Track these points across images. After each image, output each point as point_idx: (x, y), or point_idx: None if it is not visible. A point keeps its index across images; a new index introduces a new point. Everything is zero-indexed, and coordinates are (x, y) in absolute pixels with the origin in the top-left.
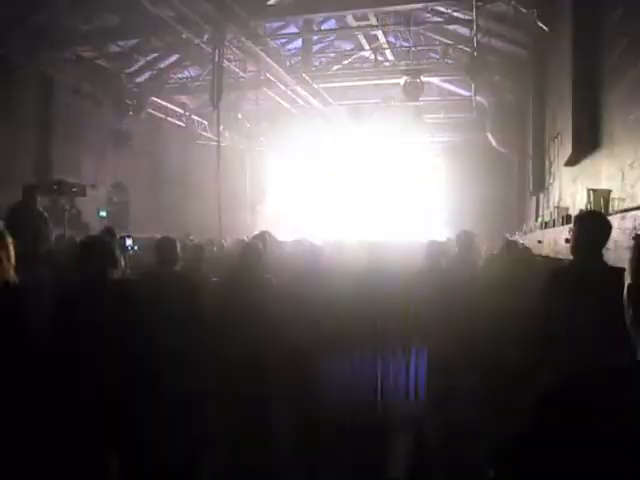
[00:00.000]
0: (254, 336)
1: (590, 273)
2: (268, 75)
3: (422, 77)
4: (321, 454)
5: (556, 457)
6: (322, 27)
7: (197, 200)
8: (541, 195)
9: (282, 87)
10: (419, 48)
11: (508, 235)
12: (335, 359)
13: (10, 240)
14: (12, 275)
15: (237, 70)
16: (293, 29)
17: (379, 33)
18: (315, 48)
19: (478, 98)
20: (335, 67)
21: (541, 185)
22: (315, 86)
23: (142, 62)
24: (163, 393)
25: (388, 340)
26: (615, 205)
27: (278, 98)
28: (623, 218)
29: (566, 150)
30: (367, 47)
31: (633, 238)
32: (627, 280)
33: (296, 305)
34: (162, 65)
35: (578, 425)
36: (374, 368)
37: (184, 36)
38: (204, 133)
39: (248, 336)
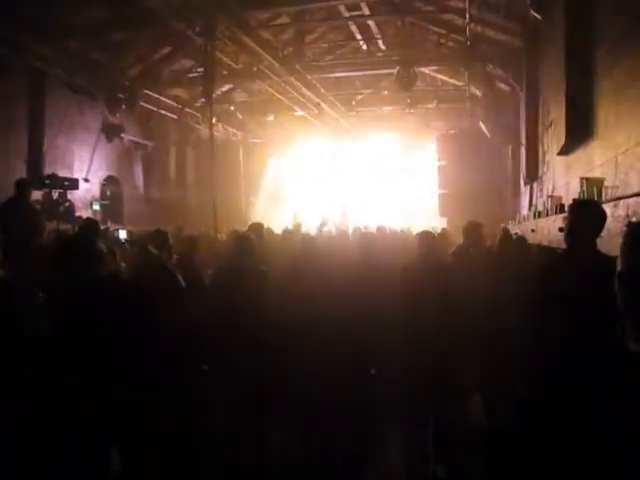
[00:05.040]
0: (249, 327)
1: (585, 262)
2: (260, 66)
3: (415, 67)
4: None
5: None
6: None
7: (191, 192)
8: (535, 184)
9: (275, 78)
10: (412, 38)
11: (505, 225)
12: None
13: None
14: None
15: (229, 62)
16: (285, 19)
17: (371, 23)
18: (307, 39)
19: (471, 88)
20: (328, 58)
21: (535, 174)
22: (308, 77)
23: (134, 55)
24: (160, 388)
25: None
26: (608, 193)
27: (271, 89)
28: (616, 206)
29: (560, 139)
30: (360, 37)
31: (626, 226)
32: (618, 267)
33: (290, 297)
34: (154, 58)
35: None
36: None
37: (176, 28)
38: (197, 125)
39: (242, 327)
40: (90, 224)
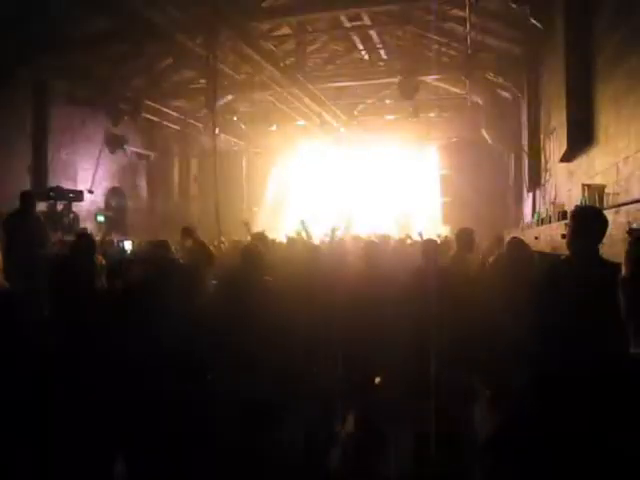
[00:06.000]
0: (253, 339)
1: (587, 268)
2: (262, 77)
3: (416, 76)
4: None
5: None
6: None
7: (194, 203)
8: (537, 191)
9: (277, 88)
10: (413, 47)
11: (508, 233)
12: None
13: None
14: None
15: (231, 72)
16: (287, 30)
17: (373, 33)
18: (309, 49)
19: (472, 96)
20: (329, 68)
21: (537, 181)
22: (310, 87)
23: (136, 67)
24: (164, 395)
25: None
26: (609, 200)
27: (273, 99)
28: (617, 212)
29: (561, 146)
30: (361, 47)
31: (627, 232)
32: (622, 273)
33: (295, 307)
34: (156, 69)
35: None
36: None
37: (177, 40)
38: (200, 136)
39: (247, 339)
40: (84, 239)
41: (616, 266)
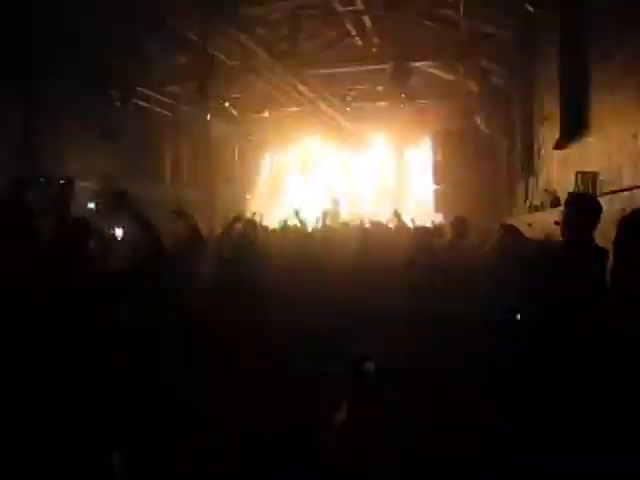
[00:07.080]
0: (246, 324)
1: (581, 255)
2: (255, 62)
3: (409, 62)
4: None
5: None
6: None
7: (186, 190)
8: (530, 179)
9: (269, 74)
10: (406, 33)
11: (504, 221)
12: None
13: None
14: None
15: (223, 57)
16: (279, 15)
17: (366, 18)
18: (302, 35)
19: (466, 82)
20: (322, 53)
21: (530, 169)
22: (302, 72)
23: (127, 51)
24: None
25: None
26: (603, 187)
27: (265, 85)
28: (610, 199)
29: (554, 133)
30: (354, 33)
31: (620, 220)
32: (611, 259)
33: (287, 292)
34: (147, 54)
35: None
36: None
37: (169, 24)
38: (191, 122)
39: (240, 324)
40: (80, 224)
41: (608, 252)
